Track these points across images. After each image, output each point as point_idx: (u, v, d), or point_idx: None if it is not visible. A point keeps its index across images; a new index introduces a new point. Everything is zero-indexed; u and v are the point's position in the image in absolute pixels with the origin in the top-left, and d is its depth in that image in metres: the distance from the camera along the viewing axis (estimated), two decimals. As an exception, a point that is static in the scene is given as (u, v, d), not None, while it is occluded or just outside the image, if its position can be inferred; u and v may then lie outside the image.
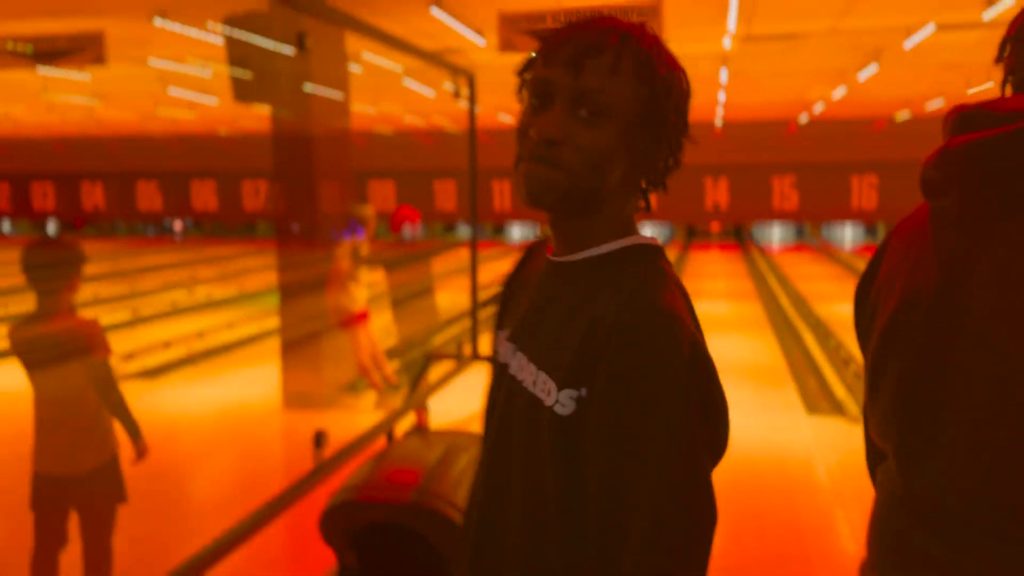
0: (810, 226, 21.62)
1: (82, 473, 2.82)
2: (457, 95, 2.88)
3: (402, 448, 2.58)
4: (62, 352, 2.75)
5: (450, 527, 2.17)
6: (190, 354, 8.01)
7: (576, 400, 0.97)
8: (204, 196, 21.65)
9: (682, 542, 0.90)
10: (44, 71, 8.15)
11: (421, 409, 2.72)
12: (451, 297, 12.15)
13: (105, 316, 8.98)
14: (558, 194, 0.99)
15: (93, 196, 22.38)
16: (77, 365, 2.78)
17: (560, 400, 0.98)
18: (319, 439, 1.87)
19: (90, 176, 22.01)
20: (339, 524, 2.27)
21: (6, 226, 25.17)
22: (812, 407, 6.12)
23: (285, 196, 6.55)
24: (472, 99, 2.99)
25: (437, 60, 2.72)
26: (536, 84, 1.01)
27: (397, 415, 2.77)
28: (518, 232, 22.64)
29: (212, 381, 7.18)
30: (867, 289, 1.29)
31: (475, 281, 3.09)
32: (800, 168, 18.04)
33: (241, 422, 5.95)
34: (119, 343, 4.71)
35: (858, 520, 4.03)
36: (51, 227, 24.75)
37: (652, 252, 1.05)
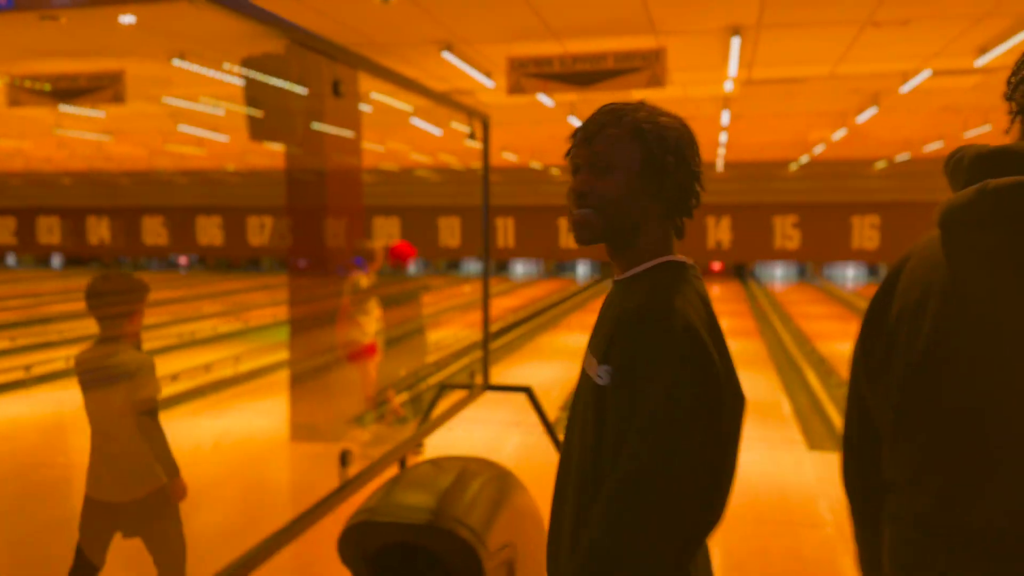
0: (812, 266, 21.77)
1: (130, 501, 2.90)
2: (472, 136, 3.01)
3: (416, 472, 2.66)
4: (112, 379, 2.86)
5: (463, 547, 2.24)
6: (198, 386, 8.09)
7: (608, 373, 1.30)
8: (209, 231, 21.86)
9: (661, 460, 1.22)
10: (59, 107, 8.36)
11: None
12: (454, 332, 12.24)
13: (113, 348, 9.07)
14: (594, 231, 1.37)
15: (99, 231, 22.60)
16: (126, 395, 2.87)
17: (599, 373, 1.32)
18: (345, 457, 1.95)
19: (96, 211, 22.26)
20: (356, 544, 2.34)
21: (11, 259, 25.36)
22: (814, 443, 6.17)
23: (296, 232, 6.69)
24: (487, 140, 3.12)
25: (454, 103, 2.85)
26: (569, 159, 1.41)
27: (412, 440, 2.85)
28: (521, 269, 22.81)
29: (219, 413, 7.26)
30: (881, 316, 1.31)
31: (487, 313, 3.19)
32: (801, 208, 18.25)
33: (248, 454, 6.01)
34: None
35: (860, 553, 4.08)
36: (56, 261, 24.94)
37: (678, 267, 1.38)
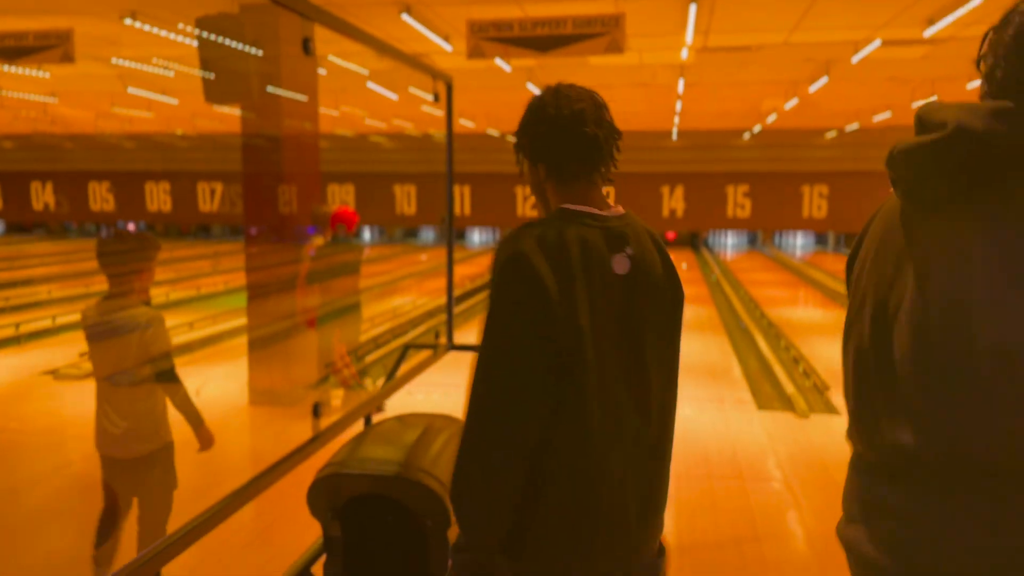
0: (762, 234, 22.18)
1: (133, 458, 2.94)
2: (436, 99, 3.03)
3: (382, 427, 2.73)
4: (124, 333, 2.86)
5: (431, 497, 2.32)
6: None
7: None
8: (158, 197, 21.38)
9: (487, 374, 1.42)
10: (2, 67, 8.09)
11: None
12: (412, 299, 12.25)
13: (61, 317, 8.91)
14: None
15: (43, 196, 21.94)
16: (134, 350, 2.89)
17: None
18: (317, 409, 2.00)
19: (40, 176, 21.58)
20: (325, 496, 2.41)
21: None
22: (763, 403, 6.39)
23: (249, 198, 6.63)
24: (450, 104, 3.14)
25: (420, 65, 2.87)
26: None
27: (379, 396, 2.91)
28: (478, 237, 22.82)
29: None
30: (851, 268, 1.44)
31: (451, 276, 3.25)
32: (753, 177, 18.54)
33: (208, 418, 6.00)
34: (76, 344, 4.76)
35: (806, 505, 4.28)
36: (-1, 227, 24.19)
37: (564, 214, 1.53)
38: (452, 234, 3.13)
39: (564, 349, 1.42)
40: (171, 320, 9.44)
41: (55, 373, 6.97)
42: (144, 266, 2.93)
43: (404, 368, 3.16)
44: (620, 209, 1.61)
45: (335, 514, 2.43)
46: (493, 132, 18.36)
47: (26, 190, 21.81)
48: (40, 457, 5.30)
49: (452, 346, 3.17)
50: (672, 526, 1.65)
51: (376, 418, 2.95)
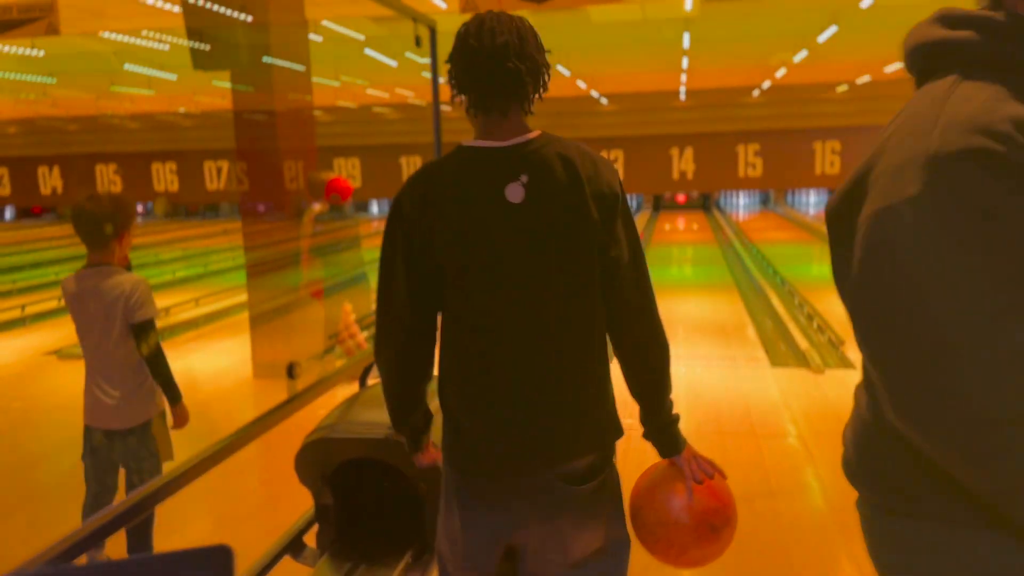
0: (775, 193, 21.87)
1: (126, 429, 2.85)
2: (418, 44, 2.88)
3: (374, 390, 2.61)
4: (107, 302, 2.76)
5: (424, 460, 2.21)
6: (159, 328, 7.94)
7: None
8: (165, 177, 21.30)
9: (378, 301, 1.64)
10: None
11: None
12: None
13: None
14: None
15: (50, 180, 21.91)
16: (120, 320, 2.79)
17: None
18: (291, 370, 1.89)
19: (46, 160, 21.53)
20: (313, 463, 2.30)
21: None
22: (777, 361, 6.25)
23: (248, 175, 6.51)
24: (434, 51, 2.99)
25: (398, 6, 2.71)
26: None
27: (367, 355, 2.80)
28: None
29: (182, 355, 7.15)
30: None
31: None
32: (764, 136, 18.21)
33: (215, 391, 5.94)
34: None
35: (821, 459, 4.16)
36: (8, 213, 24.22)
37: (455, 149, 1.61)
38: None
39: (429, 267, 1.57)
40: (179, 297, 9.30)
41: (59, 352, 6.92)
42: (122, 229, 2.82)
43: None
44: (533, 135, 1.60)
45: (325, 481, 2.33)
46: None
47: (33, 175, 21.79)
48: (46, 434, 5.26)
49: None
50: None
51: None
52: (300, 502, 2.44)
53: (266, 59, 6.08)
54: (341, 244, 6.21)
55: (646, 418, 1.69)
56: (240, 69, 6.21)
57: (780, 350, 6.61)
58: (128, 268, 2.90)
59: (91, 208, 2.76)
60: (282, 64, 6.21)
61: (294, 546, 2.34)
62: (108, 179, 21.54)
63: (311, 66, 6.54)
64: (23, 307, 8.63)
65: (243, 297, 7.04)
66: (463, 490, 1.66)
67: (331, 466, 2.31)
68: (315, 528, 2.40)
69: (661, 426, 1.68)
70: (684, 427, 1.73)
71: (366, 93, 16.37)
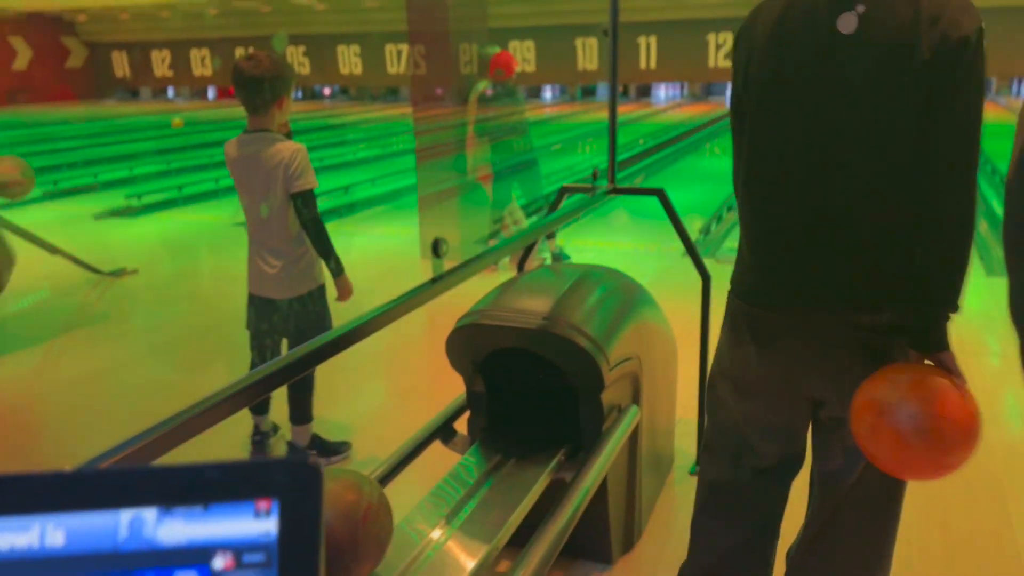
0: (996, 82, 19.34)
1: (287, 299, 2.87)
2: None
3: (532, 276, 2.45)
4: (268, 169, 2.74)
5: (580, 356, 2.04)
6: (334, 207, 8.22)
7: None
8: (349, 60, 21.81)
9: None
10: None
11: (550, 238, 2.54)
12: (590, 158, 11.79)
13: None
14: None
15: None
16: (279, 187, 2.76)
17: None
18: (437, 247, 1.73)
19: (242, 42, 22.60)
20: (464, 348, 2.19)
21: (170, 92, 26.45)
22: (992, 270, 5.55)
23: (425, 58, 6.43)
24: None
25: None
26: None
27: (528, 237, 2.62)
28: (664, 93, 21.57)
29: (357, 232, 7.37)
30: None
31: (614, 108, 2.83)
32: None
33: (381, 270, 6.07)
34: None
35: (1038, 387, 3.63)
36: (211, 93, 25.88)
37: None
38: (616, 55, 2.67)
39: (739, 96, 1.62)
40: (358, 176, 9.54)
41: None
42: (281, 92, 2.73)
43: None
44: None
45: (476, 368, 2.22)
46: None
47: (231, 57, 23.01)
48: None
49: (615, 188, 2.79)
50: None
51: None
52: (458, 385, 2.35)
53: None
54: (511, 128, 6.03)
55: (924, 302, 1.51)
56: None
57: (997, 258, 5.85)
58: (289, 136, 2.84)
59: (249, 69, 2.68)
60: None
61: (444, 431, 2.27)
62: (297, 61, 22.37)
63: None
64: (216, 180, 9.18)
65: (414, 179, 7.11)
66: (754, 324, 1.67)
67: (482, 353, 2.19)
68: (467, 415, 2.32)
69: (938, 316, 1.50)
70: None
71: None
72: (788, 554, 1.96)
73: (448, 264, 1.85)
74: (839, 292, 1.55)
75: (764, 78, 1.53)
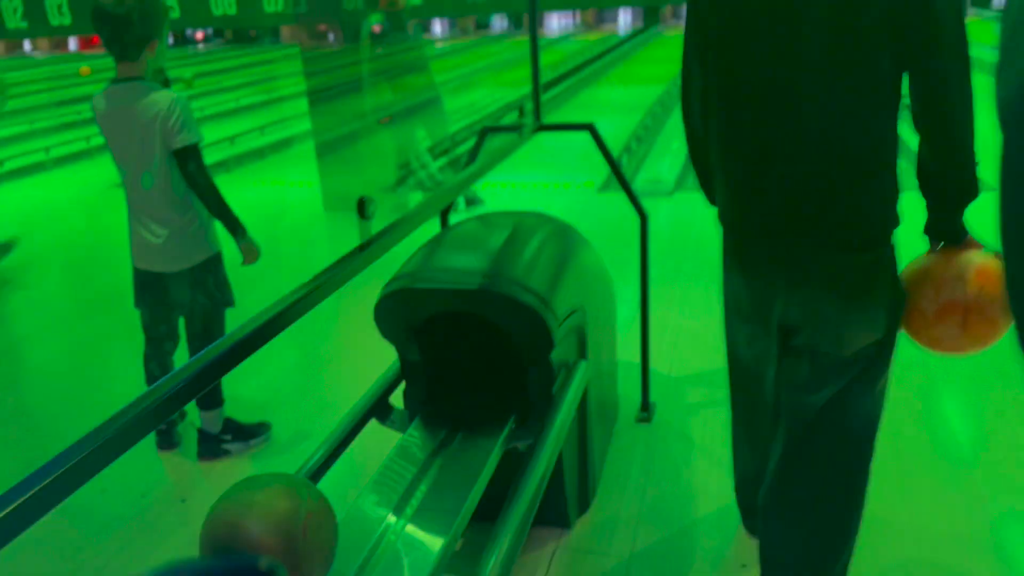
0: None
1: (177, 272, 2.53)
2: None
3: (461, 230, 2.23)
4: (140, 127, 2.37)
5: (526, 314, 1.85)
6: (223, 159, 7.69)
7: None
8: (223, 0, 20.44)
9: None
10: None
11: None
12: (490, 93, 11.46)
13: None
14: None
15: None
16: (158, 144, 2.39)
17: None
18: (363, 207, 1.49)
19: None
20: (398, 316, 1.97)
21: (27, 46, 24.29)
22: None
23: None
24: None
25: None
26: None
27: (453, 188, 2.39)
28: (556, 23, 21.20)
29: (249, 186, 6.90)
30: None
31: (535, 41, 2.60)
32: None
33: (284, 227, 5.70)
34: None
35: None
36: (73, 44, 23.90)
37: None
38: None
39: (695, 45, 1.65)
40: (243, 125, 8.98)
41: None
42: (152, 34, 2.36)
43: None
44: None
45: (411, 336, 2.00)
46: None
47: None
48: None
49: (541, 126, 2.58)
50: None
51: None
52: (384, 353, 2.13)
53: None
54: (408, 65, 5.70)
55: (946, 199, 1.56)
56: None
57: None
58: (165, 84, 2.48)
59: (113, 6, 2.29)
60: None
61: (379, 407, 2.05)
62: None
63: None
64: (88, 139, 8.43)
65: (308, 125, 6.67)
66: (738, 251, 1.74)
67: (418, 320, 1.97)
68: (402, 388, 2.11)
69: (961, 207, 1.55)
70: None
71: None
72: (759, 500, 1.88)
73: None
74: (811, 221, 1.57)
75: (726, 11, 1.55)
